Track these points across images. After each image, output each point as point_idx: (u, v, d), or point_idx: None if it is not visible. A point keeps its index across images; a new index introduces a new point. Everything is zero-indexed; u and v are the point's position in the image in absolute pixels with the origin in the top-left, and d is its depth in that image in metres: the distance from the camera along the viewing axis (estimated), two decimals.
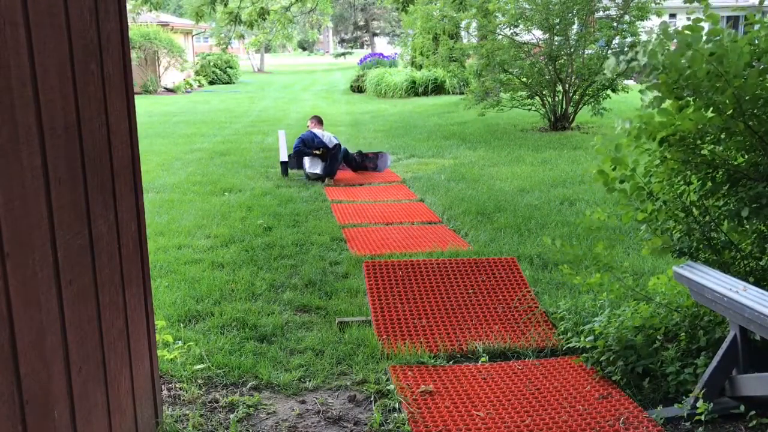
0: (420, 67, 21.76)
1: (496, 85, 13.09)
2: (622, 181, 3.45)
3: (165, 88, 25.60)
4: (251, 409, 3.20)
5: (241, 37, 13.21)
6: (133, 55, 23.58)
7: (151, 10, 11.41)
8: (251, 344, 3.84)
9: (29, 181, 1.76)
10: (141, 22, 24.73)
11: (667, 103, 3.28)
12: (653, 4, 12.64)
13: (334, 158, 8.85)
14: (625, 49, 11.81)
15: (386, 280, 4.55)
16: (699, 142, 3.35)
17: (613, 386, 3.37)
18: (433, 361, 3.70)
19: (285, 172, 9.12)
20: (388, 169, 9.60)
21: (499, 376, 3.53)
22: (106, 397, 2.29)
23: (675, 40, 3.02)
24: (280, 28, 13.90)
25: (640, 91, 3.25)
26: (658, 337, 3.47)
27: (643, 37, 11.83)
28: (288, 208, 7.13)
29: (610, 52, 12.58)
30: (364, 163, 9.53)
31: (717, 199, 3.45)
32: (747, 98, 3.06)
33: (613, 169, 3.42)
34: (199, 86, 27.96)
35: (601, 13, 13.18)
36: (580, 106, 12.96)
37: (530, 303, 4.36)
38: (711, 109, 3.21)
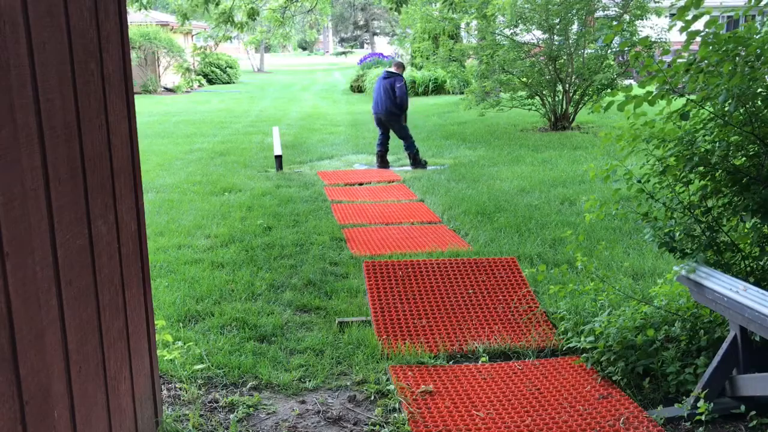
0: (420, 68, 21.76)
1: (496, 86, 13.10)
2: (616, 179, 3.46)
3: (165, 88, 25.59)
4: (251, 409, 3.20)
5: (229, 39, 13.17)
6: (133, 55, 23.57)
7: (140, 9, 11.40)
8: (251, 344, 3.84)
9: (29, 181, 1.76)
10: (141, 22, 24.71)
11: (664, 106, 3.28)
12: (653, 3, 12.64)
13: None
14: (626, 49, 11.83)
15: (386, 280, 4.55)
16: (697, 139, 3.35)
17: (614, 386, 3.37)
18: (433, 361, 3.70)
19: (279, 166, 9.36)
20: (388, 169, 9.69)
21: (499, 376, 3.52)
22: (106, 397, 2.29)
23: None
24: (275, 26, 13.84)
25: (623, 91, 3.22)
26: (659, 337, 3.47)
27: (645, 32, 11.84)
28: (288, 208, 7.13)
29: (610, 51, 12.58)
30: None
31: (718, 199, 3.45)
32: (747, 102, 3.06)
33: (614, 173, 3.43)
34: (199, 86, 27.94)
35: (600, 13, 13.18)
36: (580, 105, 12.96)
37: (530, 303, 4.35)
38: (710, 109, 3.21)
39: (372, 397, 3.33)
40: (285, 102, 21.40)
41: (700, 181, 3.42)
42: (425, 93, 21.41)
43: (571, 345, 3.74)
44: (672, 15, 3.40)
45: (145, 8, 11.51)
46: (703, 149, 3.35)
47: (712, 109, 3.32)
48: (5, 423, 1.64)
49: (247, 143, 12.14)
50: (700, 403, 2.96)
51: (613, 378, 3.42)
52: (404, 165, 10.04)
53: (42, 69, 1.82)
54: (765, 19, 3.43)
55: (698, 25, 3.17)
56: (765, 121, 3.23)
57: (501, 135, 12.38)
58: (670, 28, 3.27)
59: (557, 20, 12.29)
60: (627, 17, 12.45)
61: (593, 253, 5.17)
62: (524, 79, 12.66)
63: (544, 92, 12.87)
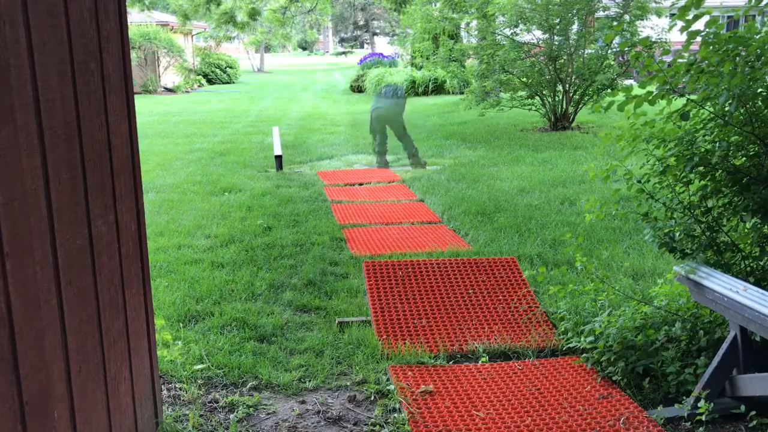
0: (420, 68, 21.77)
1: (496, 86, 13.10)
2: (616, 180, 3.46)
3: (165, 88, 25.59)
4: (251, 409, 3.20)
5: (230, 39, 13.34)
6: (133, 55, 23.56)
7: (142, 10, 11.49)
8: (251, 344, 3.84)
9: (29, 181, 1.76)
10: (141, 22, 24.71)
11: (664, 105, 3.28)
12: (653, 3, 12.64)
13: None
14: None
15: (386, 280, 4.55)
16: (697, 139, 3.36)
17: (614, 386, 3.37)
18: (433, 361, 3.70)
19: (279, 166, 9.40)
20: (388, 169, 9.71)
21: (499, 376, 3.52)
22: (106, 397, 2.29)
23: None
24: (276, 26, 13.94)
25: (623, 91, 3.22)
26: (659, 337, 3.46)
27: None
28: (288, 208, 7.13)
29: (610, 52, 12.58)
30: None
31: (718, 199, 3.45)
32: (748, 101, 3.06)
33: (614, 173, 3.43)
34: (198, 86, 27.95)
35: (601, 13, 13.18)
36: (580, 106, 12.96)
37: (530, 303, 4.35)
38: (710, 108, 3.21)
39: (372, 397, 3.33)
40: (285, 102, 21.40)
41: (700, 181, 3.42)
42: (425, 93, 21.39)
43: (571, 345, 3.74)
44: (672, 15, 3.39)
45: (148, 9, 11.56)
46: (703, 149, 3.35)
47: (712, 109, 3.32)
48: (5, 423, 1.64)
49: (247, 143, 12.14)
50: (701, 403, 2.96)
51: (613, 378, 3.42)
52: (404, 165, 10.05)
53: (42, 69, 1.82)
54: (765, 19, 3.43)
55: (699, 25, 3.17)
56: (765, 121, 3.23)
57: (501, 135, 12.38)
58: (671, 28, 3.27)
59: (557, 20, 12.29)
60: (627, 17, 12.44)
61: (593, 253, 5.17)
62: (524, 79, 12.66)
63: (544, 92, 12.86)
